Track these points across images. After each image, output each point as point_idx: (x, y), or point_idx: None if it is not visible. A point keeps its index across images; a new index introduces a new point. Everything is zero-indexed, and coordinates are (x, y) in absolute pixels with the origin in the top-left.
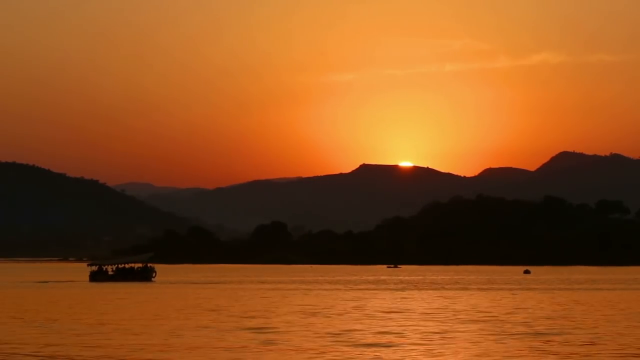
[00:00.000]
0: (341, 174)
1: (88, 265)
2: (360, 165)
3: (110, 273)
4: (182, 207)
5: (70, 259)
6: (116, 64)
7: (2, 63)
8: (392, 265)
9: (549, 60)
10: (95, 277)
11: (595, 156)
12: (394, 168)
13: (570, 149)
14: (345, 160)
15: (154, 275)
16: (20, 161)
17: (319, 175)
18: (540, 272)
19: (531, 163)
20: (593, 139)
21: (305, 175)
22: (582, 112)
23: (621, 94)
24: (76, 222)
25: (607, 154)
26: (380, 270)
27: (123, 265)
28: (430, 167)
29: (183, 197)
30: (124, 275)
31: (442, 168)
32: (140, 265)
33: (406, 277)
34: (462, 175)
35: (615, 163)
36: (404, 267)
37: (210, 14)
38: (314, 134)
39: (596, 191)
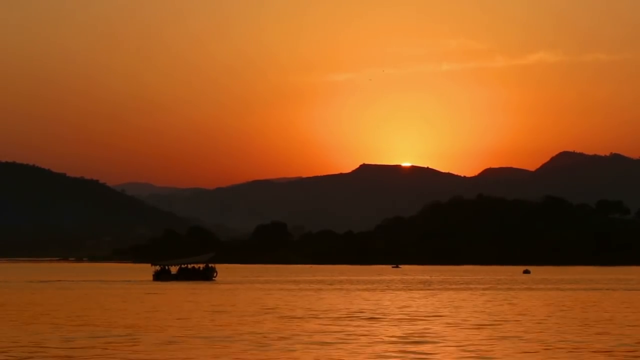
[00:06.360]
0: (341, 174)
1: (152, 265)
2: (361, 165)
3: (173, 273)
4: (182, 207)
5: (70, 258)
6: (119, 61)
7: (2, 62)
8: (395, 266)
9: (546, 59)
10: (159, 276)
11: (595, 156)
12: (394, 168)
13: (570, 149)
14: (345, 160)
15: (215, 275)
16: (20, 161)
17: (319, 175)
18: (540, 272)
19: (531, 163)
20: (593, 138)
21: (305, 175)
22: (580, 112)
23: (618, 93)
24: (76, 222)
25: (607, 153)
26: (394, 271)
27: (185, 265)
28: (430, 167)
29: (183, 197)
30: (186, 275)
31: (442, 168)
32: (202, 265)
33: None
34: (462, 175)
35: (615, 163)
36: (405, 267)
37: (216, 11)
38: (314, 133)
39: (596, 191)
